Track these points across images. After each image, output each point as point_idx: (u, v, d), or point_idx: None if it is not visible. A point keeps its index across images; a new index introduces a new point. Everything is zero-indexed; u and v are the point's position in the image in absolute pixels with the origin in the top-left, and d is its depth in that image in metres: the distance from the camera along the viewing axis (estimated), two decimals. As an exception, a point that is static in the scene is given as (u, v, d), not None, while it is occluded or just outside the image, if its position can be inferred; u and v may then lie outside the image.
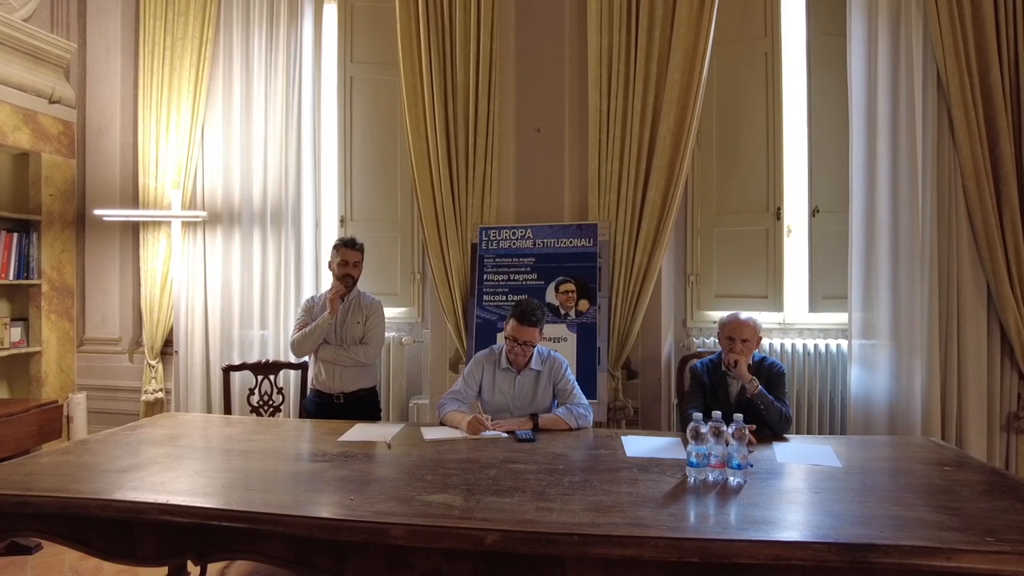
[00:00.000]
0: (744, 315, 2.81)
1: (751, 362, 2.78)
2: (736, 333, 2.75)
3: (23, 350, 4.22)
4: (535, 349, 2.87)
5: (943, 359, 3.33)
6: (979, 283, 3.30)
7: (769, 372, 2.79)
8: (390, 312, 4.22)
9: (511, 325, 2.80)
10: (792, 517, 1.83)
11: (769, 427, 2.66)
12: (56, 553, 3.15)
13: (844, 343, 3.62)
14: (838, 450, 2.47)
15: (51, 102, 4.32)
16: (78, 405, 4.35)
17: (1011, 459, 3.30)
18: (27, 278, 4.23)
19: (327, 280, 3.40)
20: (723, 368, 2.80)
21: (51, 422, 3.87)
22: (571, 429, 2.74)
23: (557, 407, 2.86)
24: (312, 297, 3.45)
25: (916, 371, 3.32)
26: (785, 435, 2.66)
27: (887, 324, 3.39)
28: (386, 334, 3.62)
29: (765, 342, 3.76)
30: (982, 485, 2.05)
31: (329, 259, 3.35)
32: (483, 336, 3.67)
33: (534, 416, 2.74)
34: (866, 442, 2.74)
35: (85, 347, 4.57)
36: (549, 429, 2.71)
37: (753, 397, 2.66)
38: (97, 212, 4.26)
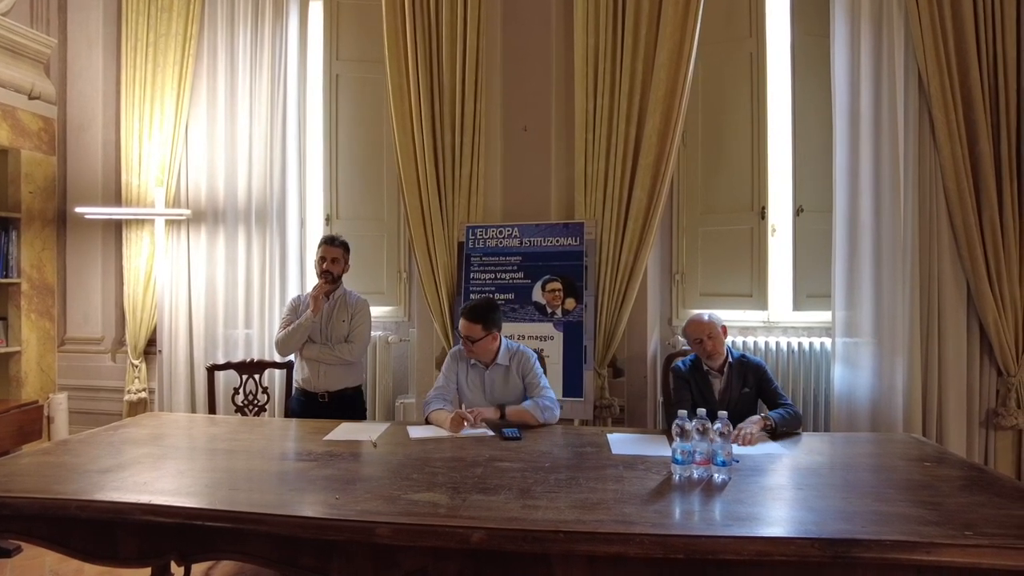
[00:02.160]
0: (697, 316, 2.84)
1: (731, 360, 2.82)
2: (700, 333, 2.78)
3: (2, 350, 4.16)
4: (503, 344, 2.90)
5: (924, 357, 3.37)
6: (959, 282, 3.35)
7: (756, 372, 2.81)
8: (377, 311, 4.21)
9: (460, 323, 2.84)
10: (776, 513, 1.85)
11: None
12: (36, 555, 3.10)
13: (828, 341, 3.65)
14: (820, 447, 2.51)
15: (31, 98, 4.26)
16: (59, 405, 4.30)
17: (990, 454, 3.36)
18: (6, 276, 4.17)
19: (312, 279, 3.39)
20: (704, 368, 2.83)
21: (31, 423, 3.83)
22: (538, 423, 2.75)
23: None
24: (298, 296, 3.44)
25: (898, 369, 3.36)
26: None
27: (870, 322, 3.43)
28: (372, 333, 3.60)
29: (750, 340, 3.80)
30: (961, 480, 2.08)
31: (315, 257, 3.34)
32: (470, 335, 3.66)
33: (501, 407, 2.77)
34: (849, 439, 2.78)
35: (66, 347, 4.52)
36: (517, 424, 2.71)
37: (776, 433, 2.56)
38: (79, 210, 4.20)
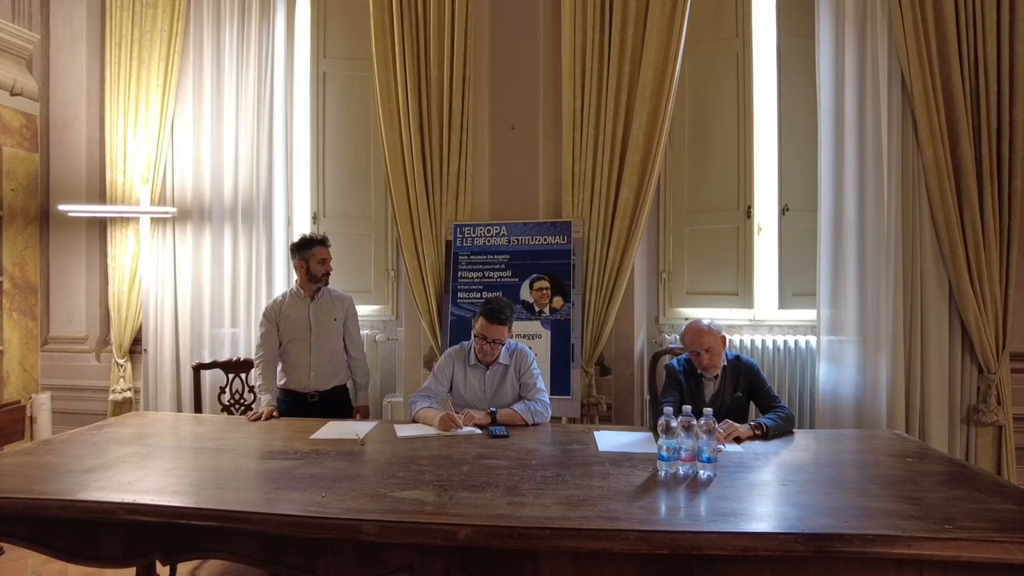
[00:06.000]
0: (698, 324, 2.78)
1: (725, 363, 2.80)
2: (698, 345, 2.73)
3: (-16, 349, 4.11)
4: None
5: (907, 354, 3.41)
6: (941, 280, 3.39)
7: (749, 374, 2.80)
8: (364, 310, 4.21)
9: (480, 323, 2.82)
10: (760, 509, 1.87)
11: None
12: (19, 557, 3.08)
13: (813, 339, 3.69)
14: (805, 444, 2.53)
15: (12, 94, 4.21)
16: (42, 405, 4.25)
17: (971, 450, 3.40)
18: (-12, 275, 4.12)
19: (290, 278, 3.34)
20: (698, 371, 2.81)
21: (13, 423, 3.79)
22: (527, 425, 2.76)
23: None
24: (275, 300, 3.32)
25: (881, 366, 3.39)
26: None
27: (854, 320, 3.46)
28: (360, 332, 3.59)
29: (736, 338, 3.82)
30: (942, 475, 2.11)
31: (298, 260, 3.22)
32: (458, 334, 3.66)
33: (492, 412, 2.76)
34: (833, 435, 2.80)
35: (50, 346, 4.47)
36: (507, 424, 2.72)
37: (769, 438, 2.56)
38: (62, 207, 4.16)
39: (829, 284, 3.51)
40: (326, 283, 3.27)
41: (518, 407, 2.80)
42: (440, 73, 3.76)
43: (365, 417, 3.27)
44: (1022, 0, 3.24)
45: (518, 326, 3.60)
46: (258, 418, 2.93)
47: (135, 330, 4.27)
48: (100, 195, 4.34)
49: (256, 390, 3.20)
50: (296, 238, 3.39)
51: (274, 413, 3.00)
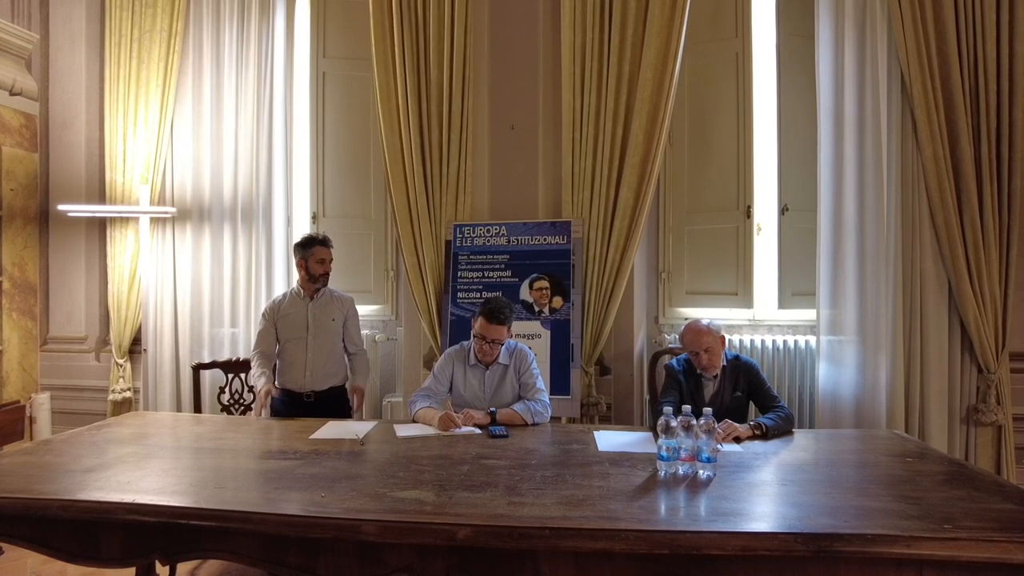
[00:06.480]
0: (697, 324, 2.78)
1: (724, 363, 2.80)
2: (697, 345, 2.74)
3: (-17, 349, 4.11)
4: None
5: (907, 354, 3.41)
6: (941, 281, 3.39)
7: (748, 374, 2.80)
8: (364, 309, 4.21)
9: (479, 323, 2.82)
10: (760, 509, 1.87)
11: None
12: (18, 557, 3.07)
13: (812, 339, 3.69)
14: (805, 444, 2.53)
15: (12, 94, 4.21)
16: (41, 405, 4.25)
17: (970, 450, 3.40)
18: (-13, 275, 4.11)
19: (297, 278, 3.35)
20: (697, 370, 2.81)
21: (12, 423, 3.78)
22: (526, 425, 2.76)
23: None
24: (274, 300, 3.34)
25: (881, 366, 3.39)
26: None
27: (854, 320, 3.47)
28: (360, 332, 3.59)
29: (736, 338, 3.82)
30: (942, 475, 2.11)
31: (299, 258, 3.24)
32: (457, 334, 3.66)
33: (492, 412, 2.76)
34: (833, 435, 2.80)
35: (49, 346, 4.47)
36: (507, 423, 2.72)
37: (768, 438, 2.56)
38: (62, 207, 4.16)
39: (829, 284, 3.52)
40: (325, 283, 3.26)
41: (518, 407, 2.80)
42: (440, 73, 3.76)
43: (361, 398, 3.23)
44: (1022, 0, 3.24)
45: (518, 326, 3.60)
46: (262, 406, 2.98)
47: (135, 330, 4.28)
48: (100, 195, 4.35)
49: (253, 382, 3.22)
50: (297, 238, 3.39)
51: (272, 392, 3.05)
